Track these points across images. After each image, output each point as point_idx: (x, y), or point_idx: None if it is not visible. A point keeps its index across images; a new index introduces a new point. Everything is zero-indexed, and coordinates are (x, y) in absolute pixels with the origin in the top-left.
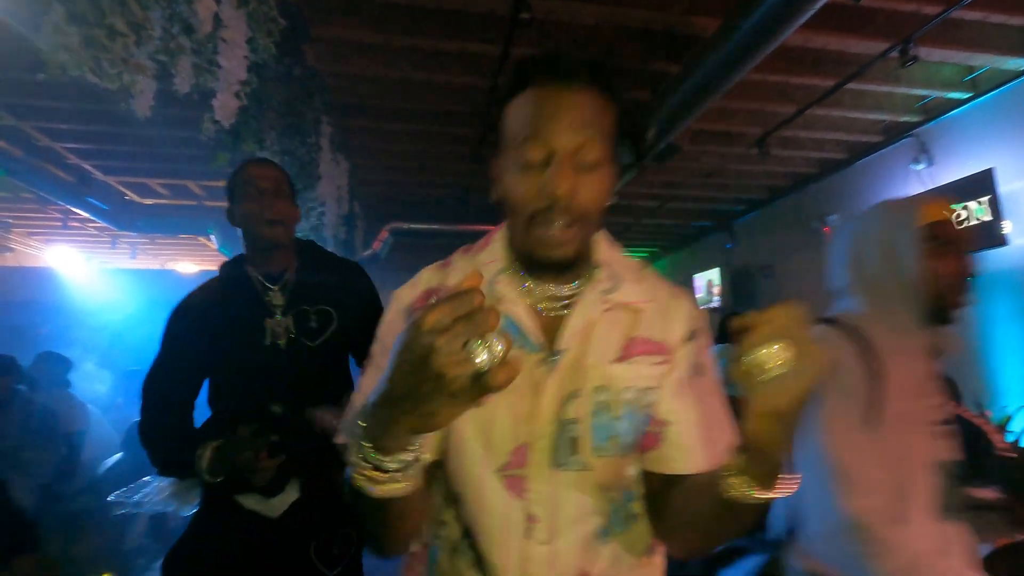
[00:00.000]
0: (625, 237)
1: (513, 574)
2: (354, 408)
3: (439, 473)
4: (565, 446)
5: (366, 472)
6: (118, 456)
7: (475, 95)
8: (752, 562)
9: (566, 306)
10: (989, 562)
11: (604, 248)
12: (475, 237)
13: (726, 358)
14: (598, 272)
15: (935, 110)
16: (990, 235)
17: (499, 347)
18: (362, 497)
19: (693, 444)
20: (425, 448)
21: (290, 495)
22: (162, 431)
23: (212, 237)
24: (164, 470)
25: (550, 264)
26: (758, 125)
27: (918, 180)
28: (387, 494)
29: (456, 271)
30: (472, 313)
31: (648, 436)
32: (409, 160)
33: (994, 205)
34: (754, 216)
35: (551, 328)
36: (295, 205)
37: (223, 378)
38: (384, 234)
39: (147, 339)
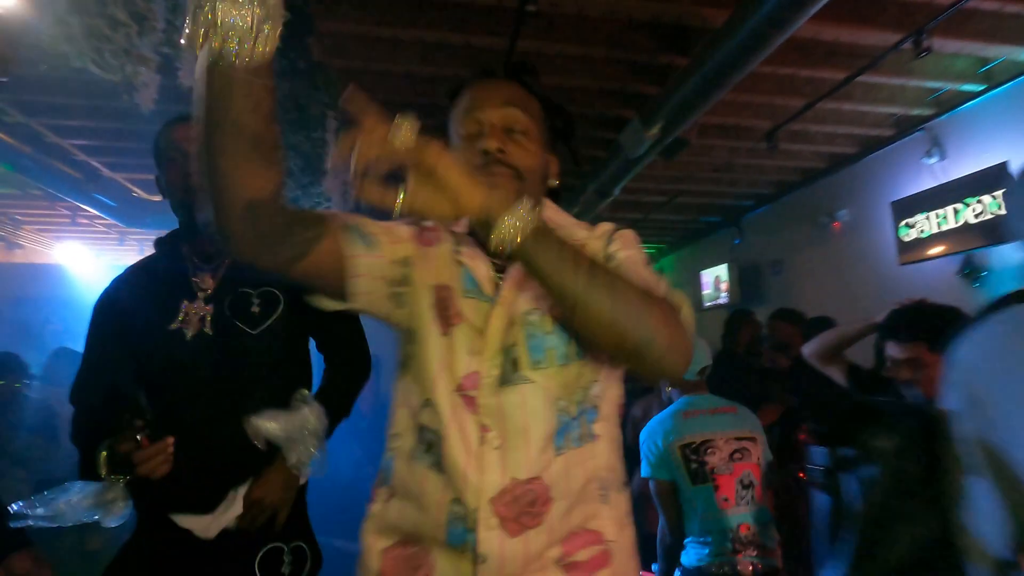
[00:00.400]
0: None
1: (472, 473)
2: None
3: (400, 384)
4: (508, 367)
5: (218, 17)
6: None
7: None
8: None
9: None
10: None
11: (551, 212)
12: None
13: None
14: None
15: (948, 103)
16: (1004, 229)
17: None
18: (215, 81)
19: None
20: None
21: (229, 512)
22: (78, 431)
23: None
24: (85, 474)
25: None
26: (768, 119)
27: (930, 174)
28: (252, 59)
29: (439, 230)
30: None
31: None
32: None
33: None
34: (763, 211)
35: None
36: None
37: (141, 372)
38: None
39: None
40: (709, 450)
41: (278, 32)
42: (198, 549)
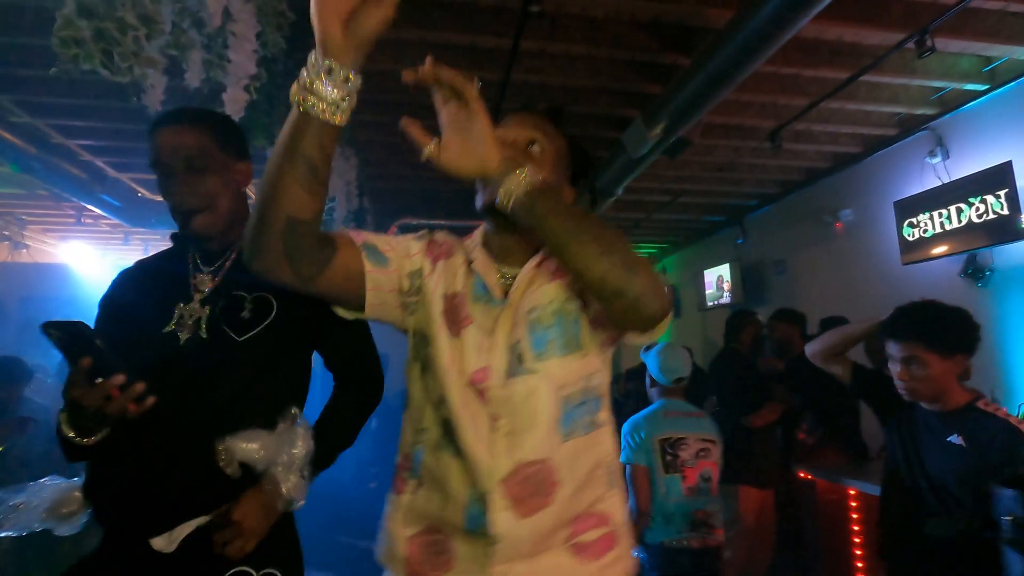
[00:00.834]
0: (636, 232)
1: (485, 458)
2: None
3: (421, 383)
4: (515, 361)
5: (316, 87)
6: None
7: (485, 89)
8: None
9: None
10: None
11: None
12: None
13: None
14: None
15: (951, 102)
16: (1007, 229)
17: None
18: (299, 125)
19: None
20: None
21: (188, 525)
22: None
23: None
24: (70, 456)
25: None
26: (771, 118)
27: (934, 174)
28: (329, 120)
29: (450, 244)
30: None
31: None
32: (419, 155)
33: (1012, 199)
34: (766, 211)
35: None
36: (235, 168)
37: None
38: (394, 229)
39: None
40: (682, 446)
41: (352, 107)
42: (159, 564)
